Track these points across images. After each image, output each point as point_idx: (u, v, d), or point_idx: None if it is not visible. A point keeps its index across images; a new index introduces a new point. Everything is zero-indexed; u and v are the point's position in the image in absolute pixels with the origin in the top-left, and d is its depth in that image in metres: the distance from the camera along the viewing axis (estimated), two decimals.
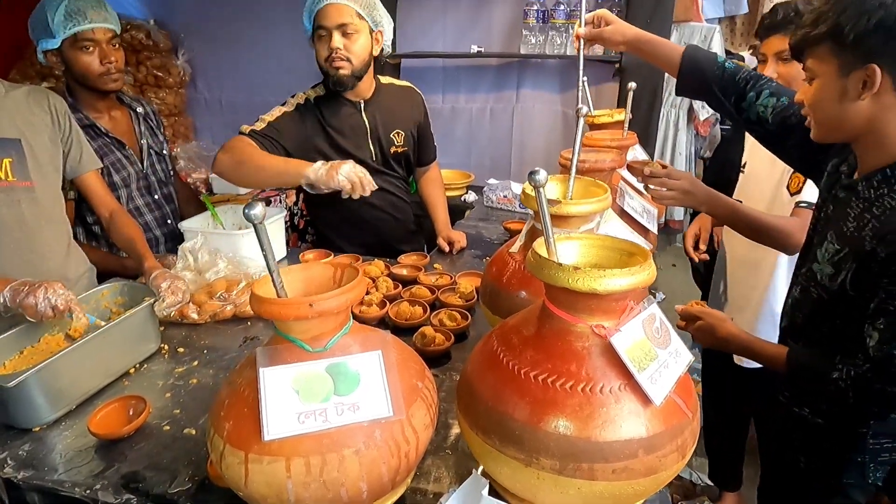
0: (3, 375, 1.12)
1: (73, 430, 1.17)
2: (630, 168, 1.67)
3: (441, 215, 2.20)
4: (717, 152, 3.03)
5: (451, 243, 2.08)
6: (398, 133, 2.02)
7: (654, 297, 3.84)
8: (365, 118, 1.95)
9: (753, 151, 1.93)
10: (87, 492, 1.01)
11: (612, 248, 0.88)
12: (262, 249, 0.75)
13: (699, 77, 1.41)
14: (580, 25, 1.50)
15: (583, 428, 0.75)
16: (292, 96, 1.94)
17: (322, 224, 2.12)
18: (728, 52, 3.02)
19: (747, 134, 1.98)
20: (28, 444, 1.13)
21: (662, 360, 0.82)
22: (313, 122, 1.87)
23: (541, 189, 0.79)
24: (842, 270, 1.07)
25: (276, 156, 1.76)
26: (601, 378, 0.77)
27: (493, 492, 0.86)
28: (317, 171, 1.59)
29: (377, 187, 1.68)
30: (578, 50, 1.52)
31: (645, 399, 0.77)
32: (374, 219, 2.04)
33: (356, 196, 1.61)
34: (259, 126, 1.81)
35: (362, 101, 1.94)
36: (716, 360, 2.14)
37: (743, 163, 1.96)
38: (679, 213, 3.28)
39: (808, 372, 1.11)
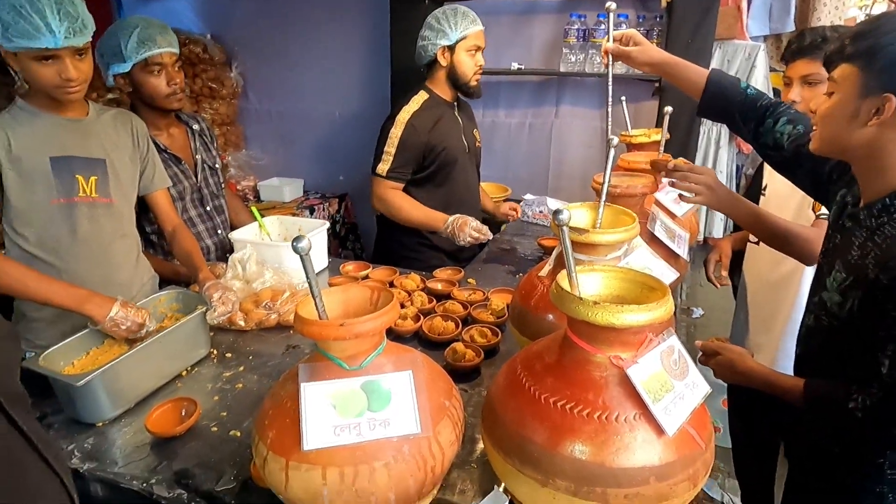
0: (73, 375, 1.25)
1: (132, 427, 1.28)
2: (653, 164, 1.67)
3: (490, 201, 2.71)
4: (758, 170, 3.00)
5: (514, 210, 2.63)
6: (476, 131, 2.44)
7: (692, 312, 3.76)
8: (458, 117, 2.32)
9: (773, 175, 1.92)
10: (144, 485, 1.12)
11: (633, 280, 0.93)
12: (307, 277, 0.82)
13: (722, 101, 1.43)
14: (608, 40, 1.52)
15: (597, 453, 0.80)
16: (394, 116, 2.21)
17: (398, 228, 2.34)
18: (773, 70, 2.98)
19: None
20: (92, 438, 1.25)
21: (678, 391, 0.86)
22: (423, 129, 2.19)
23: (564, 227, 0.85)
24: (849, 298, 1.09)
25: (419, 209, 2.23)
26: (617, 407, 0.82)
27: None
28: (446, 230, 2.17)
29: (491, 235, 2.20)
30: (607, 66, 1.52)
31: (659, 429, 0.81)
32: (463, 208, 2.31)
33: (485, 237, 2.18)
34: (388, 163, 2.18)
35: (456, 104, 2.31)
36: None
37: (763, 185, 1.96)
38: (718, 231, 3.25)
39: (824, 403, 1.12)
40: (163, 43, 1.78)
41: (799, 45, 1.70)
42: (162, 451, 1.20)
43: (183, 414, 1.28)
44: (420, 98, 2.22)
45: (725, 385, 2.68)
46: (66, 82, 1.39)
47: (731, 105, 1.42)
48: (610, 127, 1.63)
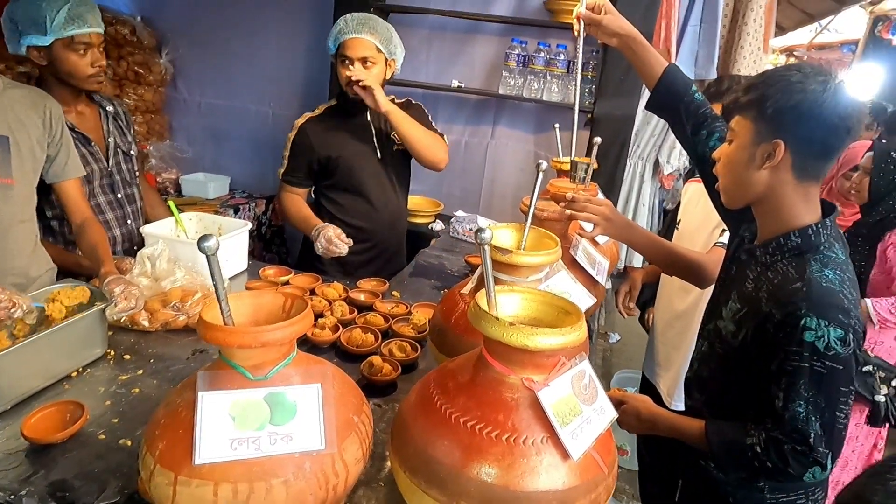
0: None
1: (5, 432, 1.16)
2: (553, 196, 1.67)
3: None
4: (677, 206, 3.18)
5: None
6: (395, 135, 2.24)
7: (610, 337, 3.90)
8: (370, 120, 2.20)
9: (686, 210, 2.06)
10: (12, 497, 1.01)
11: (550, 304, 0.94)
12: (213, 279, 0.78)
13: (672, 95, 1.47)
14: (581, 5, 1.50)
15: (503, 476, 0.79)
16: (297, 119, 2.22)
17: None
18: None
19: (682, 193, 2.11)
20: None
21: (586, 416, 0.87)
22: (314, 135, 2.16)
23: (485, 247, 0.84)
24: (743, 328, 1.16)
25: (298, 213, 2.19)
26: (525, 430, 0.82)
27: None
28: (311, 234, 2.06)
29: (347, 250, 2.00)
30: (578, 33, 1.52)
31: (564, 453, 0.81)
32: (378, 215, 2.27)
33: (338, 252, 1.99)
34: (283, 166, 2.22)
35: (369, 109, 2.16)
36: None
37: (678, 220, 2.09)
38: (638, 260, 3.39)
39: (726, 444, 1.16)
40: (93, 22, 1.69)
41: (717, 88, 1.81)
42: (38, 459, 1.10)
43: (67, 419, 1.18)
44: (327, 105, 2.22)
45: None
46: None
47: (679, 101, 1.46)
48: (578, 100, 1.69)
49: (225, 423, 0.81)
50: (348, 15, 2.06)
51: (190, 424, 0.81)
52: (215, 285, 0.79)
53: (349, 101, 2.11)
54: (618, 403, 1.34)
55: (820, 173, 1.13)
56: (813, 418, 1.05)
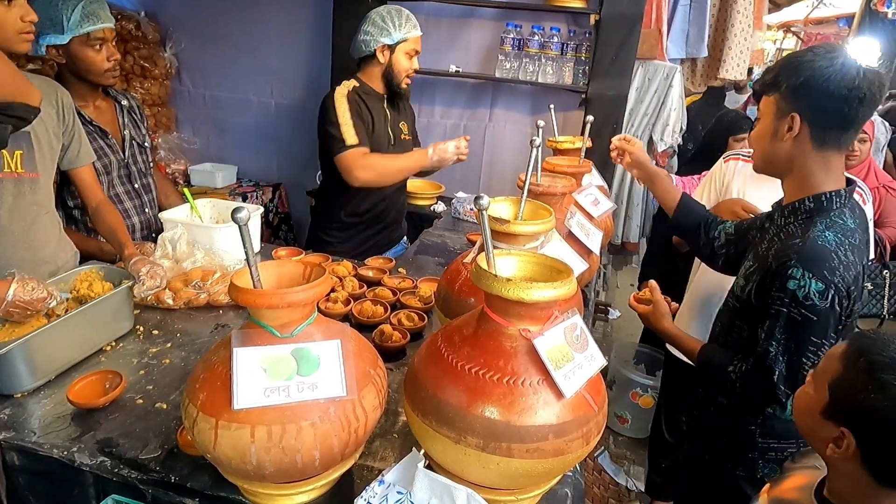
0: None
1: (52, 399, 1.27)
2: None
3: None
4: None
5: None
6: (403, 124, 2.47)
7: (610, 314, 3.99)
8: (386, 109, 2.37)
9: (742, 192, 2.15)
10: (65, 453, 1.12)
11: (543, 264, 1.04)
12: (244, 247, 0.88)
13: (692, 216, 1.66)
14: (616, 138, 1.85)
15: (504, 413, 0.90)
16: (334, 90, 2.25)
17: (327, 218, 2.41)
18: (687, 92, 3.24)
19: (720, 175, 2.21)
20: (9, 409, 1.23)
21: (578, 362, 0.97)
22: (360, 107, 2.26)
23: (484, 212, 0.94)
24: (749, 282, 1.29)
25: (401, 156, 2.34)
26: (523, 373, 0.92)
27: (429, 467, 1.00)
28: (431, 159, 2.33)
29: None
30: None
31: (558, 392, 0.92)
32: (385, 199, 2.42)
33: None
34: (353, 134, 2.18)
35: (386, 97, 2.37)
36: (676, 382, 2.32)
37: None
38: (634, 236, 3.49)
39: (711, 365, 1.33)
40: (105, 18, 1.77)
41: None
42: (84, 421, 1.21)
43: (107, 386, 1.29)
44: (349, 84, 2.27)
45: (636, 379, 2.90)
46: None
47: (699, 219, 1.64)
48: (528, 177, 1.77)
49: (258, 374, 0.92)
50: (405, 9, 2.23)
51: (227, 378, 0.92)
52: (246, 252, 0.88)
53: (392, 89, 2.31)
54: (646, 302, 1.53)
55: (840, 143, 1.23)
56: (781, 358, 1.17)
